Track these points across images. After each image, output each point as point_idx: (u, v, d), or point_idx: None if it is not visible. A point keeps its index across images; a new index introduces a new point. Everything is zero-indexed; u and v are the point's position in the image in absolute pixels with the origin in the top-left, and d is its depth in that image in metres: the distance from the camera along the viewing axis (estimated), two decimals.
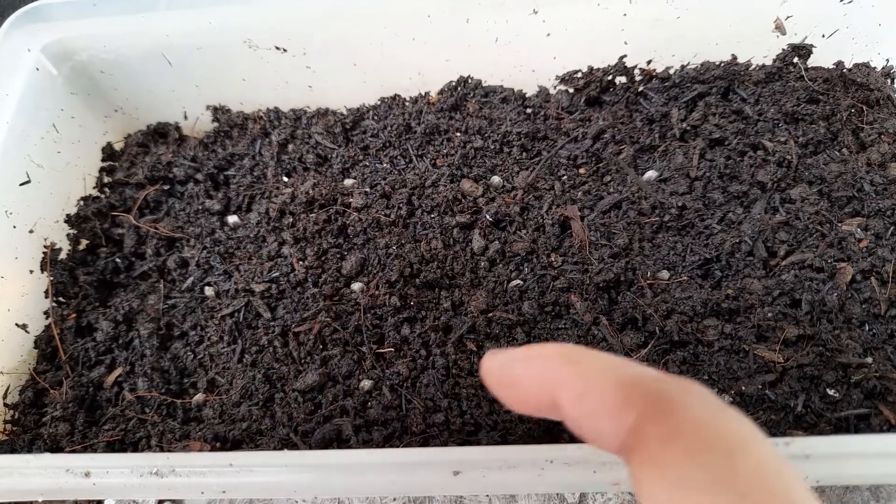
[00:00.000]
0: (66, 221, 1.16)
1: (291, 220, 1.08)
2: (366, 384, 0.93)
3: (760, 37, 1.13)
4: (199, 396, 0.98)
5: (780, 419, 0.84)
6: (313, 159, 1.18)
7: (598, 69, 1.17)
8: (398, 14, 1.13)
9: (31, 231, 1.10)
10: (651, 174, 1.07)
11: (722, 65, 1.13)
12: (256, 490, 0.75)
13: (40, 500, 0.79)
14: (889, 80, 1.10)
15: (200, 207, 1.17)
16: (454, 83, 1.21)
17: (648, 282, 0.97)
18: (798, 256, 0.95)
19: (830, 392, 0.85)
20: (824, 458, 0.66)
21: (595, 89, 1.16)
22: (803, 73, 1.10)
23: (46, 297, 1.10)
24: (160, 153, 1.24)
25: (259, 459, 0.73)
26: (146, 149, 1.29)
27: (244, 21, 1.14)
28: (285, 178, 1.18)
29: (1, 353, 1.03)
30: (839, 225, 0.97)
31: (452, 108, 1.19)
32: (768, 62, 1.14)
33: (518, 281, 1.00)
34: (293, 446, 0.88)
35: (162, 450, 0.92)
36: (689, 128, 1.09)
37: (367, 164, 1.17)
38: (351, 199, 1.09)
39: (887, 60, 1.11)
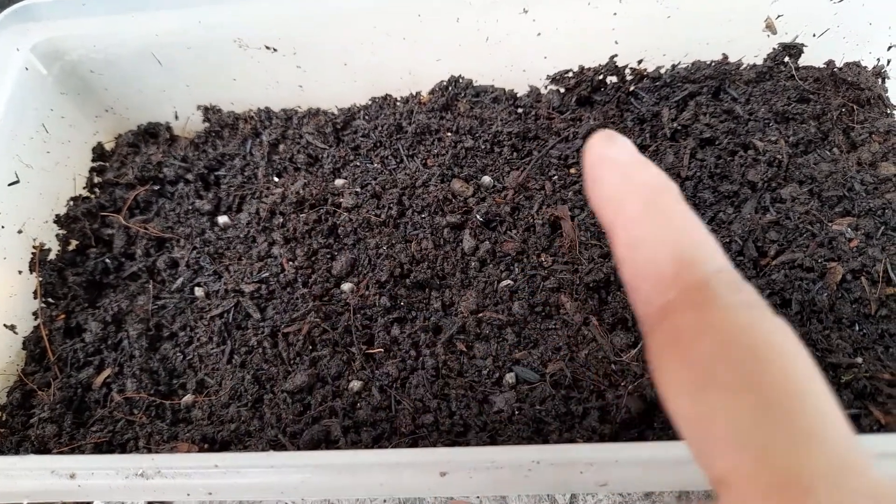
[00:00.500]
0: (55, 222, 1.16)
1: (282, 220, 1.08)
2: (355, 385, 0.93)
3: (751, 36, 1.13)
4: (188, 397, 0.97)
5: None
6: (304, 159, 1.18)
7: (589, 69, 1.17)
8: (389, 14, 1.12)
9: (19, 231, 1.09)
10: None
11: (713, 64, 1.13)
12: (243, 491, 0.74)
13: (25, 503, 0.79)
14: (880, 80, 1.10)
15: (190, 208, 1.16)
16: (445, 83, 1.21)
17: None
18: (788, 256, 0.95)
19: None
20: None
21: (586, 89, 1.16)
22: (794, 72, 1.10)
23: (35, 297, 1.09)
24: (150, 153, 1.24)
25: (245, 460, 0.72)
26: (136, 149, 1.28)
27: (234, 20, 1.13)
28: (276, 179, 1.18)
29: None
30: (829, 224, 0.97)
31: (443, 108, 1.19)
32: (759, 62, 1.14)
33: (508, 281, 0.99)
34: (281, 447, 0.88)
35: (150, 451, 0.91)
36: (679, 127, 1.09)
37: (358, 164, 1.16)
38: (341, 200, 1.09)
39: (878, 60, 1.11)
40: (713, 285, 0.37)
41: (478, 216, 1.04)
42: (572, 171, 1.10)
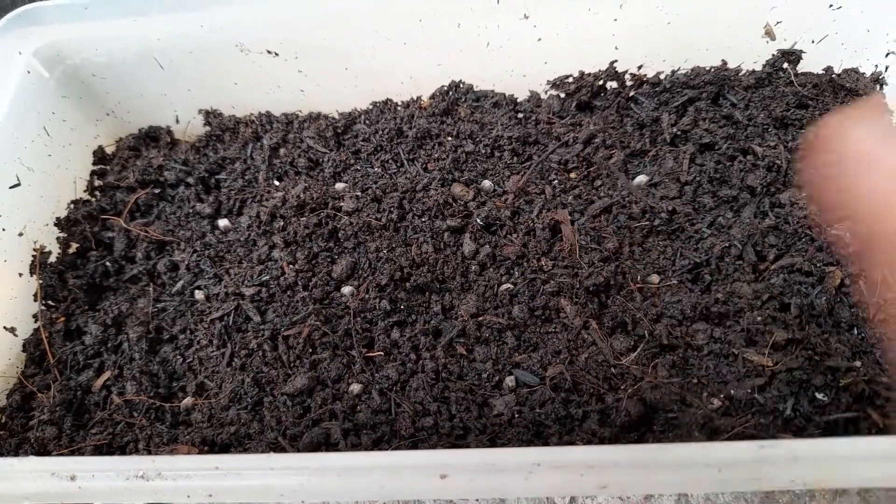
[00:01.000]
0: (56, 225, 1.16)
1: (282, 223, 1.08)
2: (355, 388, 0.93)
3: (750, 42, 1.14)
4: (188, 400, 0.97)
5: (769, 423, 0.84)
6: (305, 163, 1.18)
7: (589, 74, 1.17)
8: (390, 18, 1.13)
9: (20, 234, 1.10)
10: (641, 179, 1.07)
11: (712, 70, 1.13)
12: (243, 494, 0.74)
13: None
14: (878, 86, 1.11)
15: (191, 211, 1.17)
16: (446, 88, 1.22)
17: (638, 286, 0.97)
18: (787, 260, 0.95)
19: (819, 396, 0.85)
20: (812, 461, 0.66)
21: (586, 94, 1.17)
22: (793, 78, 1.11)
23: (35, 300, 1.09)
24: (151, 157, 1.24)
25: (245, 462, 0.72)
26: (137, 152, 1.29)
27: (236, 25, 1.14)
28: (276, 182, 1.18)
29: None
30: (828, 229, 0.97)
31: (444, 113, 1.19)
32: (758, 67, 1.14)
33: (508, 285, 1.00)
34: (281, 450, 0.88)
35: (150, 454, 0.91)
36: (679, 133, 1.10)
37: (359, 168, 1.17)
38: (342, 203, 1.09)
39: (876, 66, 1.11)
40: None
41: (478, 220, 1.05)
42: (572, 175, 1.10)
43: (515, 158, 1.13)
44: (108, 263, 1.14)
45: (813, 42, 1.12)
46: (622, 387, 0.88)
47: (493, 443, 0.86)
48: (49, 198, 1.16)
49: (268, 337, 0.98)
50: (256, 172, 1.19)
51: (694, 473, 0.66)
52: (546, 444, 0.85)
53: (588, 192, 1.07)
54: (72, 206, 1.19)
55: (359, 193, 1.11)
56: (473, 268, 1.02)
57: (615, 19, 1.12)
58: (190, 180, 1.19)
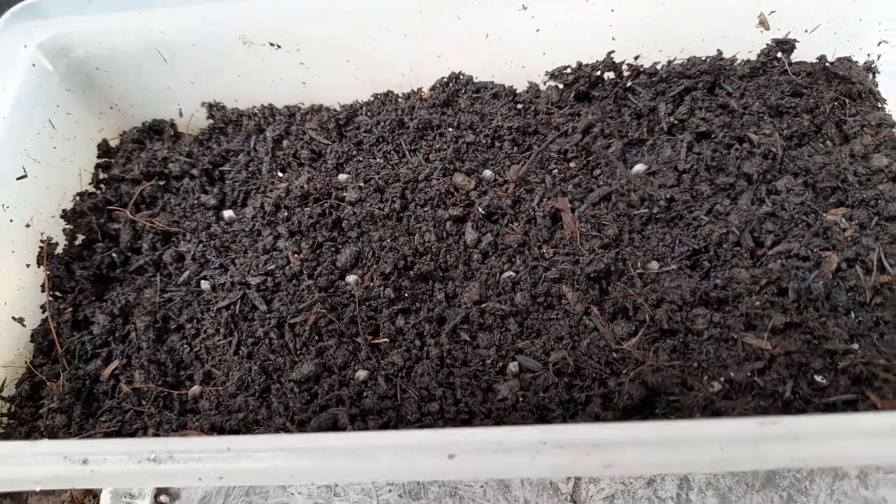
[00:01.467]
0: (62, 216, 1.17)
1: (286, 214, 1.09)
2: (361, 374, 0.94)
3: (745, 32, 1.15)
4: (196, 388, 0.99)
5: (768, 405, 0.85)
6: (307, 155, 1.19)
7: (587, 65, 1.19)
8: (390, 11, 1.15)
9: (27, 225, 1.11)
10: (640, 167, 1.09)
11: (708, 60, 1.15)
12: (253, 475, 0.75)
13: (38, 490, 0.79)
14: (871, 74, 1.13)
15: (196, 202, 1.18)
16: (446, 79, 1.23)
17: (638, 272, 0.99)
18: (784, 246, 0.97)
19: (818, 378, 0.86)
20: (812, 437, 0.67)
21: (584, 84, 1.18)
22: (787, 67, 1.12)
23: (43, 291, 1.11)
24: (156, 149, 1.25)
25: (256, 443, 0.74)
26: (142, 145, 1.30)
27: (239, 17, 1.15)
28: (280, 174, 1.19)
29: None
30: (824, 215, 0.99)
31: (444, 104, 1.21)
32: (753, 57, 1.16)
33: (510, 272, 1.01)
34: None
35: None
36: (676, 122, 1.11)
37: (361, 159, 1.18)
38: (345, 194, 1.10)
39: (868, 55, 1.13)
40: None
41: (479, 209, 1.06)
42: (572, 164, 1.12)
43: (515, 148, 1.14)
44: (114, 254, 1.15)
45: (806, 31, 1.14)
46: (624, 371, 0.90)
47: (497, 426, 0.87)
48: (55, 190, 1.17)
49: (274, 325, 1.00)
50: (260, 164, 1.20)
51: (696, 451, 0.68)
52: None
53: (587, 180, 1.09)
54: (77, 198, 1.20)
55: (361, 184, 1.12)
56: (476, 256, 1.03)
57: (612, 10, 1.13)
58: (194, 172, 1.21)
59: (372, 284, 1.01)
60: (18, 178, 1.09)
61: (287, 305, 1.02)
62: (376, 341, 0.98)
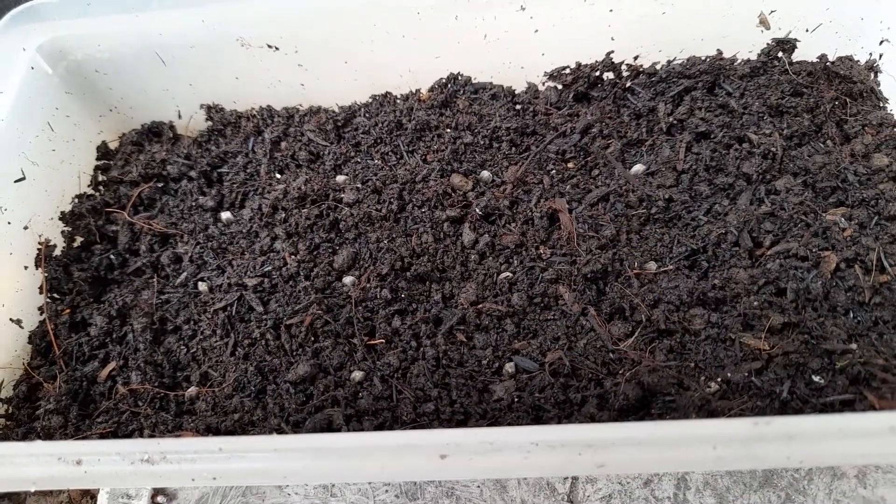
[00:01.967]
0: (60, 218, 1.17)
1: (284, 215, 1.09)
2: (357, 375, 0.94)
3: (745, 32, 1.15)
4: (192, 389, 0.99)
5: (766, 406, 0.85)
6: (305, 156, 1.19)
7: (586, 65, 1.18)
8: (388, 12, 1.14)
9: (25, 227, 1.11)
10: (638, 167, 1.08)
11: (708, 60, 1.15)
12: (247, 476, 0.75)
13: (33, 490, 0.79)
14: (872, 73, 1.12)
15: (194, 204, 1.18)
16: (444, 80, 1.23)
17: (636, 272, 0.98)
18: (783, 246, 0.96)
19: (816, 378, 0.86)
20: (807, 437, 0.67)
21: (583, 85, 1.18)
22: (787, 66, 1.12)
23: (41, 292, 1.11)
24: (154, 151, 1.25)
25: (249, 443, 0.73)
26: (140, 147, 1.30)
27: (236, 19, 1.16)
28: (278, 175, 1.19)
29: None
30: (823, 215, 0.98)
31: (443, 105, 1.21)
32: (753, 57, 1.15)
33: (507, 273, 1.01)
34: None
35: None
36: (675, 122, 1.11)
37: (359, 160, 1.18)
38: (343, 195, 1.10)
39: (870, 54, 1.12)
40: None
41: (477, 210, 1.06)
42: (570, 165, 1.11)
43: (514, 149, 1.14)
44: (112, 256, 1.15)
45: (807, 31, 1.14)
46: (620, 371, 0.90)
47: (493, 427, 0.86)
48: (53, 192, 1.18)
49: (270, 326, 1.00)
50: (258, 166, 1.20)
51: (690, 451, 0.67)
52: None
53: (586, 181, 1.08)
54: (76, 200, 1.20)
55: (359, 185, 1.12)
56: (473, 257, 1.03)
57: (611, 10, 1.13)
58: (192, 174, 1.21)
59: (369, 285, 1.01)
60: (17, 181, 1.10)
61: (283, 307, 1.01)
62: (372, 342, 0.97)
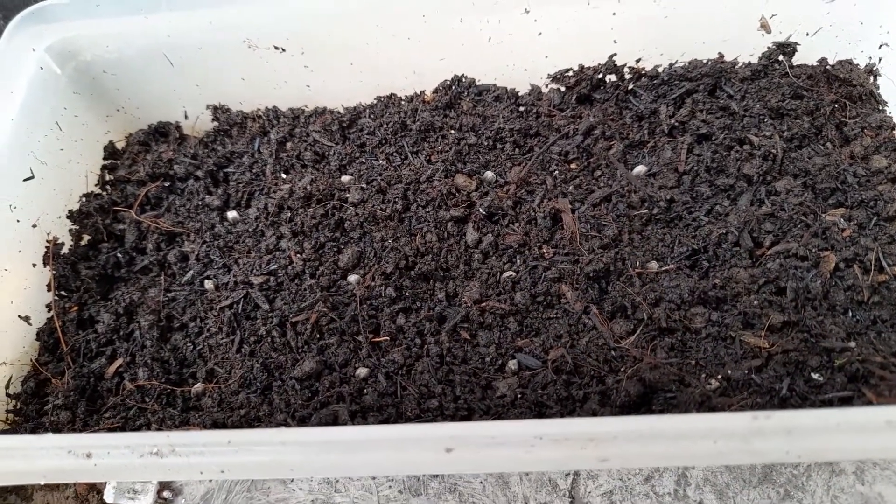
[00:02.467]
0: (68, 217, 1.19)
1: (289, 214, 1.11)
2: (362, 372, 0.95)
3: (746, 35, 1.16)
4: (199, 386, 1.00)
5: (765, 402, 0.86)
6: (311, 156, 1.20)
7: (589, 68, 1.20)
8: (394, 14, 1.16)
9: (34, 225, 1.12)
10: (640, 169, 1.09)
11: (709, 63, 1.16)
12: (254, 469, 0.76)
13: (42, 484, 0.80)
14: (871, 77, 1.13)
15: (200, 203, 1.19)
16: (448, 82, 1.24)
17: (637, 272, 0.99)
18: (783, 246, 0.97)
19: (815, 376, 0.87)
20: (806, 432, 0.68)
21: (586, 87, 1.19)
22: (788, 70, 1.13)
23: (48, 290, 1.12)
24: (161, 151, 1.27)
25: (257, 437, 0.75)
26: (147, 147, 1.31)
27: (243, 21, 1.17)
28: (283, 175, 1.21)
29: (3, 344, 1.05)
30: (823, 215, 0.99)
31: (447, 106, 1.22)
32: (754, 60, 1.17)
33: (511, 272, 1.02)
34: None
35: None
36: (677, 124, 1.12)
37: (364, 160, 1.19)
38: (348, 195, 1.11)
39: (870, 58, 1.14)
40: None
41: (481, 210, 1.07)
42: (573, 166, 1.13)
43: (517, 150, 1.15)
44: (119, 254, 1.16)
45: (807, 34, 1.15)
46: (622, 368, 0.91)
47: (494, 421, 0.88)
48: (61, 191, 1.19)
49: (276, 324, 1.01)
50: (264, 166, 1.22)
51: (691, 445, 0.68)
52: None
53: (588, 182, 1.10)
54: (84, 199, 1.22)
55: (364, 185, 1.13)
56: (476, 256, 1.04)
57: (614, 13, 1.14)
58: (199, 174, 1.22)
59: (373, 284, 1.02)
60: (26, 180, 1.11)
61: (289, 304, 1.03)
62: (377, 340, 0.99)
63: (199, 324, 1.06)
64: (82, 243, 1.20)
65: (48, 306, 1.12)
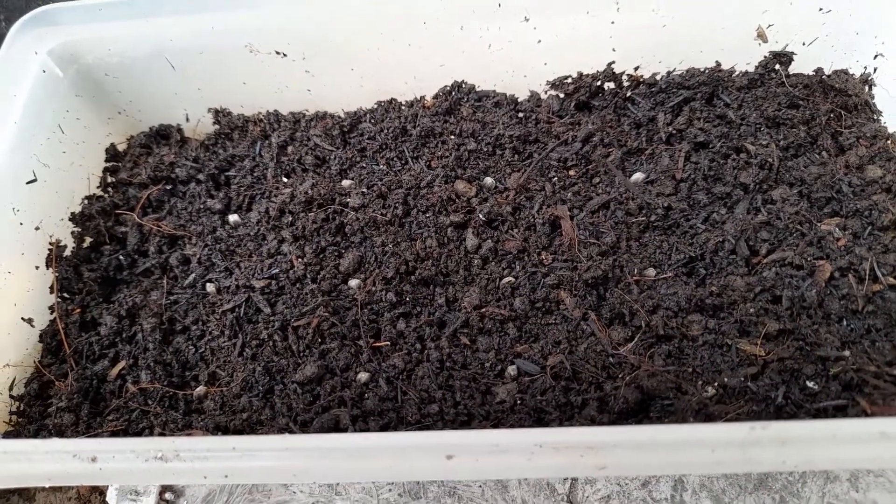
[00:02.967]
0: (70, 219, 1.19)
1: (291, 218, 1.12)
2: (363, 376, 0.96)
3: (743, 45, 1.17)
4: (201, 389, 1.01)
5: (761, 410, 0.87)
6: (312, 161, 1.21)
7: (588, 75, 1.21)
8: (395, 20, 1.17)
9: (37, 228, 1.13)
10: (638, 176, 1.11)
11: (707, 71, 1.17)
12: (257, 474, 0.77)
13: (47, 486, 0.81)
14: (866, 87, 1.15)
15: (202, 206, 1.20)
16: (449, 88, 1.25)
17: (635, 279, 1.00)
18: (779, 254, 0.99)
19: (810, 384, 0.88)
20: (802, 442, 0.69)
21: (584, 94, 1.20)
22: (784, 79, 1.14)
23: (51, 292, 1.13)
24: (163, 154, 1.27)
25: (260, 443, 0.76)
26: (149, 150, 1.32)
27: (245, 26, 1.18)
28: (284, 179, 1.21)
29: (7, 346, 1.06)
30: (818, 224, 1.01)
31: (447, 112, 1.23)
32: (751, 69, 1.18)
33: (510, 278, 1.03)
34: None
35: None
36: (674, 131, 1.13)
37: (364, 165, 1.20)
38: (348, 199, 1.12)
39: (865, 68, 1.15)
40: None
41: (480, 216, 1.08)
42: (571, 172, 1.14)
43: (516, 156, 1.17)
44: (121, 257, 1.17)
45: (804, 44, 1.16)
46: (620, 375, 0.92)
47: (496, 428, 0.89)
48: (64, 193, 1.20)
49: (278, 328, 1.02)
50: (265, 169, 1.23)
51: (688, 454, 0.70)
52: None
53: (587, 188, 1.11)
54: (86, 201, 1.23)
55: (365, 190, 1.14)
56: (476, 262, 1.05)
57: (612, 22, 1.15)
58: (200, 177, 1.23)
59: (374, 289, 1.03)
60: (28, 182, 1.12)
61: (291, 308, 1.04)
62: (378, 344, 1.00)
63: (201, 327, 1.07)
64: (84, 246, 1.20)
65: (51, 308, 1.12)
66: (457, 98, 1.24)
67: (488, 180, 1.13)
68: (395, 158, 1.20)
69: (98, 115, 1.29)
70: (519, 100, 1.27)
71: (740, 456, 0.70)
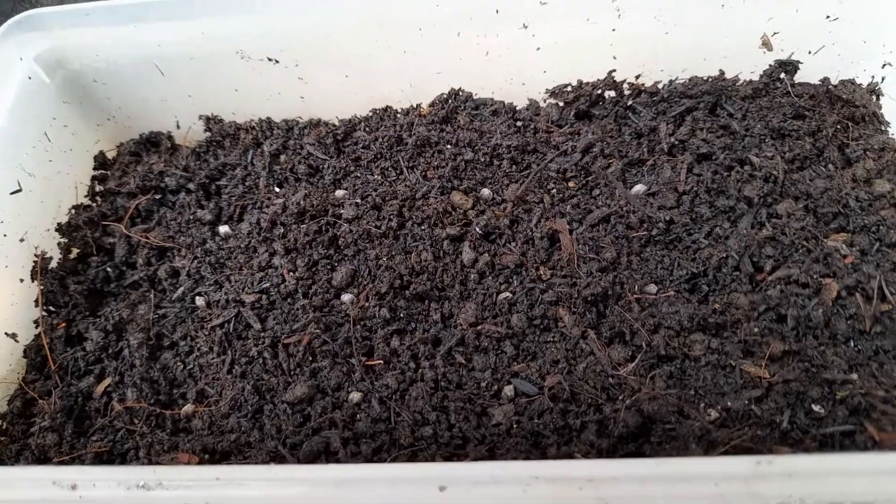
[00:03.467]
0: (57, 230, 1.17)
1: (282, 230, 1.09)
2: (354, 396, 0.94)
3: (748, 53, 1.15)
4: (188, 407, 0.98)
5: (765, 435, 0.85)
6: (305, 170, 1.19)
7: (588, 83, 1.18)
8: (390, 27, 1.14)
9: (21, 240, 1.10)
10: (639, 188, 1.08)
11: (710, 80, 1.14)
12: None
13: None
14: (874, 97, 1.12)
15: (192, 217, 1.17)
16: (445, 96, 1.23)
17: (636, 296, 0.98)
18: (784, 272, 0.96)
19: (816, 408, 0.86)
20: (808, 477, 0.67)
21: (584, 103, 1.18)
22: (790, 88, 1.12)
23: (36, 305, 1.10)
24: (152, 162, 1.25)
25: (245, 473, 0.73)
26: (138, 158, 1.29)
27: (236, 32, 1.15)
28: (277, 189, 1.19)
29: None
30: (825, 240, 0.98)
31: (443, 121, 1.20)
32: (755, 78, 1.15)
33: (507, 294, 1.00)
34: (281, 459, 0.89)
35: (150, 462, 0.92)
36: (676, 142, 1.11)
37: (359, 175, 1.17)
38: (342, 211, 1.10)
39: (872, 77, 1.13)
40: None
41: (477, 229, 1.05)
42: (571, 184, 1.11)
43: (514, 167, 1.14)
44: (108, 269, 1.14)
45: (810, 53, 1.13)
46: (620, 397, 0.89)
47: (491, 453, 0.86)
48: (50, 203, 1.17)
49: (268, 344, 0.99)
50: (257, 179, 1.20)
51: (691, 487, 0.67)
52: (544, 454, 0.85)
53: (586, 201, 1.08)
54: (73, 211, 1.20)
55: (359, 201, 1.11)
56: (472, 276, 1.02)
57: (613, 29, 1.13)
58: (191, 186, 1.20)
59: (367, 304, 1.00)
60: (13, 193, 1.09)
61: (281, 324, 1.01)
62: (370, 363, 0.97)
63: (190, 343, 1.04)
64: (71, 257, 1.18)
65: (36, 322, 1.10)
66: (453, 106, 1.22)
67: (485, 192, 1.11)
68: (389, 168, 1.17)
69: (86, 121, 1.26)
70: (517, 108, 1.24)
71: (745, 489, 0.67)
